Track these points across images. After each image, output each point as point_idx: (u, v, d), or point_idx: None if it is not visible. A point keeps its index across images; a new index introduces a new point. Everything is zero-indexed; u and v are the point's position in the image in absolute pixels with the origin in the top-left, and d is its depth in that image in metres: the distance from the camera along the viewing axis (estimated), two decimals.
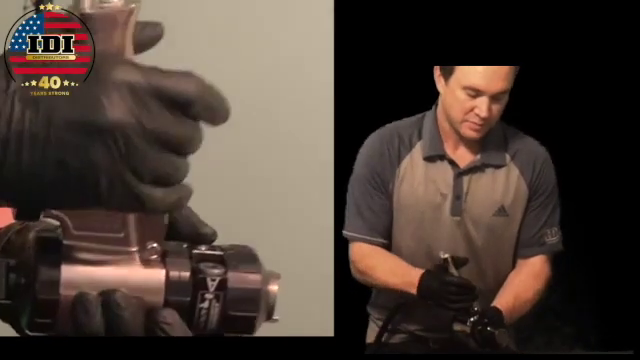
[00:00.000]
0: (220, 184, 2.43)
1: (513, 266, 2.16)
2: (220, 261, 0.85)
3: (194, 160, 0.79)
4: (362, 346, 2.23)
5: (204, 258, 0.85)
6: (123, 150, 0.73)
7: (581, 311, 2.49)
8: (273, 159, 2.56)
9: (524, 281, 2.12)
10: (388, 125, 2.16)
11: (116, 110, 0.73)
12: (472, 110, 2.03)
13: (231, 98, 0.80)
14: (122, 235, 0.81)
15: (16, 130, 0.72)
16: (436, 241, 2.09)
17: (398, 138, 2.12)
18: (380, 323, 2.18)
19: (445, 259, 1.97)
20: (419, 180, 2.11)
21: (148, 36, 0.81)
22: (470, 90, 2.01)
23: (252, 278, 0.86)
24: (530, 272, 2.13)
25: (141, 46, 0.80)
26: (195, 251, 0.85)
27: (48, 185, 0.73)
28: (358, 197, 2.14)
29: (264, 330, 0.89)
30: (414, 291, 2.00)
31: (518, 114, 2.15)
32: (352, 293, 2.32)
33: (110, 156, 0.73)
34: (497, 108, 2.04)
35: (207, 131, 0.79)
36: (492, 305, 2.01)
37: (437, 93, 2.12)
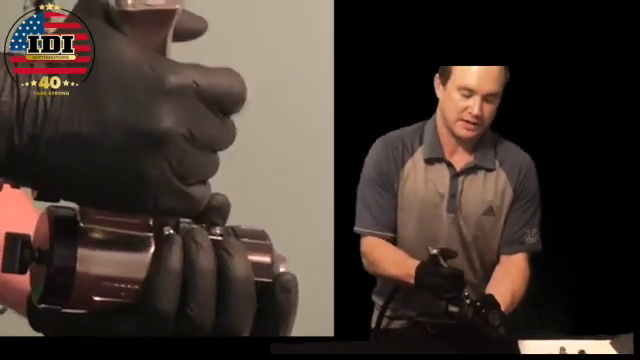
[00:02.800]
0: (220, 184, 2.43)
1: (497, 261, 2.31)
2: None
3: None
4: (361, 346, 2.26)
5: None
6: (174, 161, 0.72)
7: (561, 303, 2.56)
8: (273, 159, 2.57)
9: (508, 273, 2.25)
10: (392, 132, 2.32)
11: (169, 119, 0.71)
12: (465, 109, 2.20)
13: None
14: (139, 221, 0.80)
15: (64, 130, 0.70)
16: (435, 235, 2.26)
17: (402, 144, 2.30)
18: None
19: (434, 254, 2.07)
20: (420, 180, 2.29)
21: (192, 29, 0.79)
22: (464, 90, 2.18)
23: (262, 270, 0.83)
24: (511, 267, 2.27)
25: (179, 36, 0.77)
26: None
27: (94, 187, 0.72)
28: (367, 196, 2.30)
29: None
30: (412, 281, 2.11)
31: (507, 122, 2.29)
32: (352, 293, 2.36)
33: (160, 167, 0.72)
34: (489, 108, 2.21)
35: None
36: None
37: (433, 92, 2.27)
